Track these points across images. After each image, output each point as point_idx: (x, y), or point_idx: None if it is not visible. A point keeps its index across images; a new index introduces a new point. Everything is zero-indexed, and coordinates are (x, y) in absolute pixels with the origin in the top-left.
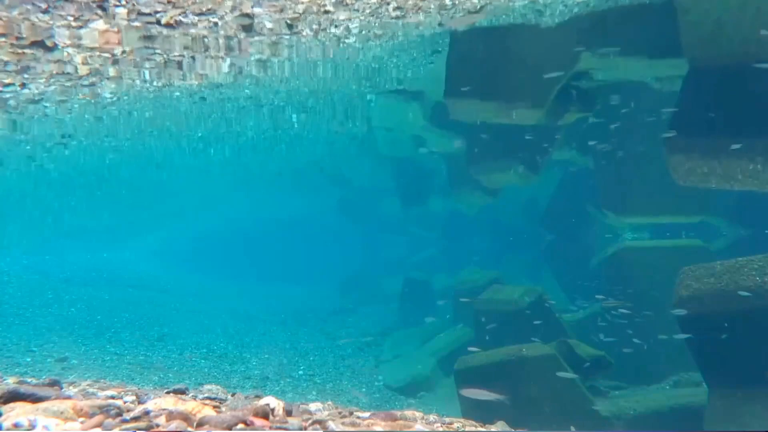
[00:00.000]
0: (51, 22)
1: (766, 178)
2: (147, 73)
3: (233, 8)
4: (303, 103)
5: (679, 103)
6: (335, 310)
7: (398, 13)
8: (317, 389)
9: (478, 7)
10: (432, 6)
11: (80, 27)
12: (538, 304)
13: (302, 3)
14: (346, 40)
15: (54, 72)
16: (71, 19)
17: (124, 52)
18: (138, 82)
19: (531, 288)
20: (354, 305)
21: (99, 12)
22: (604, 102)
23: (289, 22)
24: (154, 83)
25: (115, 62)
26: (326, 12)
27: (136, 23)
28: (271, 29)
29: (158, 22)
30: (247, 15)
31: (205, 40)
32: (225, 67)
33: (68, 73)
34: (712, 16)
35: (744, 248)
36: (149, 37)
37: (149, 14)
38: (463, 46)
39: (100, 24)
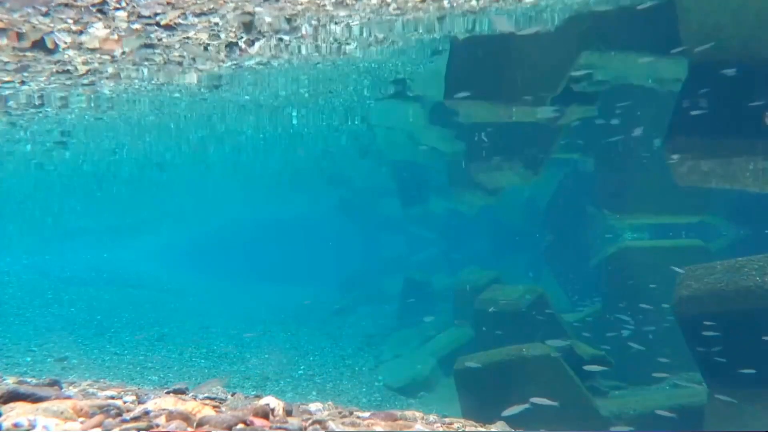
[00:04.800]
0: (52, 25)
1: (766, 178)
2: (146, 71)
3: (235, 8)
4: (303, 102)
5: (679, 102)
6: (335, 310)
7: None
8: (317, 389)
9: (477, 9)
10: (431, 8)
11: (80, 31)
12: (538, 304)
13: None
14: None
15: (54, 71)
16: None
17: (123, 53)
18: (137, 81)
19: (531, 288)
20: (354, 305)
21: (99, 15)
22: (604, 102)
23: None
24: (153, 82)
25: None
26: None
27: (136, 25)
28: (270, 23)
29: (158, 24)
30: (248, 13)
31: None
32: (224, 67)
33: (68, 71)
34: (713, 16)
35: (744, 248)
36: (149, 44)
37: (149, 17)
38: (464, 48)
39: (100, 27)
